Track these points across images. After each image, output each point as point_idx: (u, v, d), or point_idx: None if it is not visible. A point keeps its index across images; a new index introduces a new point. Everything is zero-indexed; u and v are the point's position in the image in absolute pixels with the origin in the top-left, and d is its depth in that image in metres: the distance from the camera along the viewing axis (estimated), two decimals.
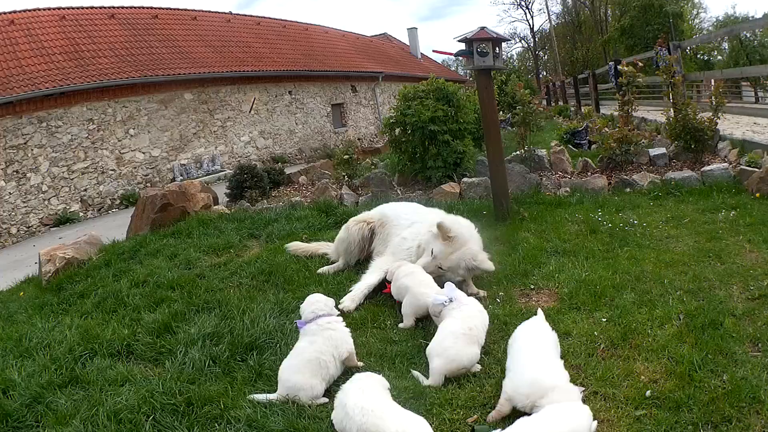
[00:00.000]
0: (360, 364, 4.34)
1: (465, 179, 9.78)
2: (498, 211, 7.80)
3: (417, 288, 5.03)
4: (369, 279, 5.96)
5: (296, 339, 4.49)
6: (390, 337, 4.78)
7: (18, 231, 19.67)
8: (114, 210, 21.97)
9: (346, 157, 11.36)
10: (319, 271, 6.52)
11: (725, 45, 61.17)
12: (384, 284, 5.80)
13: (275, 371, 4.22)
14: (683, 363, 3.85)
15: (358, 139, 36.59)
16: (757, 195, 7.77)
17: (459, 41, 7.82)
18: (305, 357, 4.13)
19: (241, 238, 8.52)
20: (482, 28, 7.60)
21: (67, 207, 21.02)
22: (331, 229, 8.55)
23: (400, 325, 5.01)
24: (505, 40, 8.40)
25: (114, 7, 28.29)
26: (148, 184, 23.15)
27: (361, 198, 10.25)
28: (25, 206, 20.00)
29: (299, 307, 4.59)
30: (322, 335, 4.25)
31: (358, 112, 38.55)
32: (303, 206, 10.04)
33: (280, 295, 5.91)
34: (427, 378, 4.05)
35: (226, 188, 12.27)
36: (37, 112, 20.52)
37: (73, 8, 26.39)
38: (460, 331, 4.18)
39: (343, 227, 6.78)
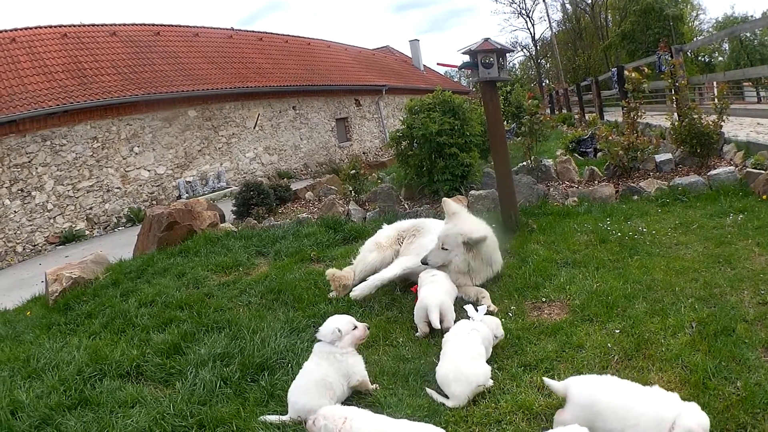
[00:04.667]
0: (374, 387, 4.29)
1: (472, 192, 9.71)
2: (507, 223, 7.74)
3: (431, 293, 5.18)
4: (386, 273, 6.07)
5: (307, 359, 4.43)
6: (403, 354, 4.73)
7: (24, 249, 19.64)
8: (120, 228, 21.90)
9: (352, 172, 11.30)
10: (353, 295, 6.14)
11: (726, 46, 61.45)
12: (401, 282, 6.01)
13: (287, 391, 4.16)
14: (697, 371, 3.82)
15: (363, 153, 36.58)
16: (764, 197, 7.73)
17: (463, 53, 7.79)
18: (312, 378, 4.09)
19: (249, 256, 8.51)
20: (486, 40, 7.57)
21: (73, 225, 20.99)
22: (339, 245, 8.60)
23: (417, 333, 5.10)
24: (510, 51, 8.38)
25: (115, 25, 28.34)
26: (154, 202, 23.15)
27: (368, 213, 10.18)
28: (31, 225, 19.97)
29: (310, 326, 4.57)
30: (330, 359, 4.20)
31: (363, 125, 38.58)
32: (310, 223, 9.97)
33: (290, 313, 5.86)
34: (441, 396, 4.02)
35: (232, 206, 12.23)
36: (40, 131, 20.53)
37: (74, 26, 26.42)
38: (473, 354, 4.19)
39: (376, 245, 6.74)
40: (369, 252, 6.65)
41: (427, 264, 5.72)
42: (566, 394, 3.46)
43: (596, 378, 3.52)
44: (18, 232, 19.62)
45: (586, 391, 3.38)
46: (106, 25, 27.90)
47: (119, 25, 28.51)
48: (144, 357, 5.28)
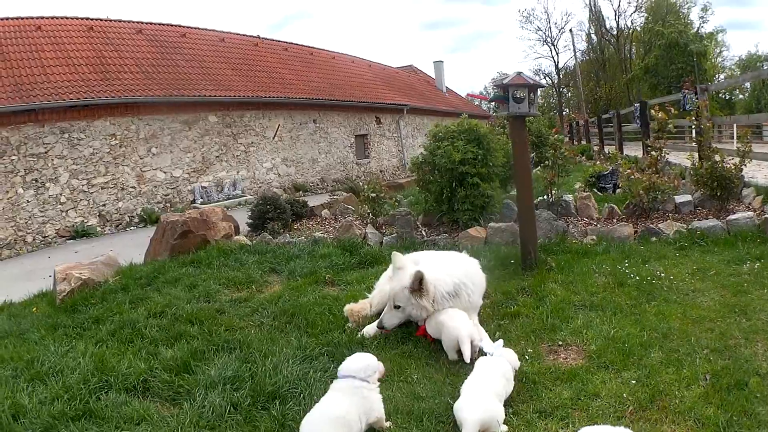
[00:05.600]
0: (388, 424, 4.18)
1: (491, 224, 9.61)
2: (525, 260, 7.63)
3: (450, 323, 5.20)
4: None
5: (320, 390, 4.39)
6: (417, 392, 4.60)
7: (34, 240, 19.69)
8: (132, 228, 21.95)
9: (372, 195, 11.21)
10: (367, 332, 5.97)
11: (747, 84, 61.46)
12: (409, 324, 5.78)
13: (299, 423, 4.03)
14: (709, 425, 3.82)
15: (381, 171, 36.70)
16: None
17: (495, 86, 7.80)
18: (333, 414, 3.94)
19: (262, 273, 8.41)
20: (519, 74, 7.51)
21: (85, 221, 21.04)
22: (354, 269, 8.47)
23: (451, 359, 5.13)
24: (542, 86, 8.34)
25: (142, 23, 28.60)
26: (168, 204, 23.28)
27: (385, 238, 10.08)
28: (42, 216, 20.02)
29: (323, 354, 4.48)
30: (357, 395, 4.09)
31: (382, 144, 38.69)
32: (326, 243, 9.86)
33: (303, 339, 5.73)
34: None
35: (247, 218, 12.15)
36: (59, 123, 20.66)
37: (100, 20, 26.67)
38: (491, 391, 4.15)
39: (388, 277, 6.48)
40: (384, 285, 6.54)
41: (383, 328, 5.62)
42: None
43: (609, 429, 3.52)
44: (29, 222, 19.71)
45: None
46: (133, 22, 28.17)
47: (145, 23, 28.77)
48: (152, 372, 5.16)
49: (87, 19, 25.97)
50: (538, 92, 7.95)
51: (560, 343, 5.40)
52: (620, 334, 5.31)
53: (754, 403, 4.03)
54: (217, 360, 5.31)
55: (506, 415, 4.10)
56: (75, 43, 23.74)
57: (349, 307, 6.33)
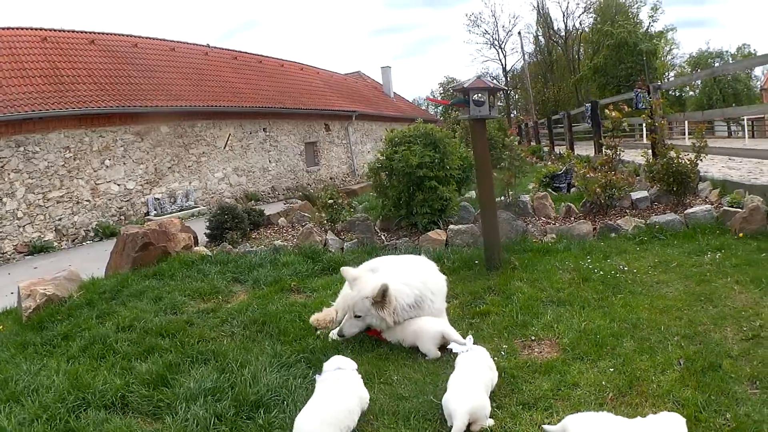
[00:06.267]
0: None
1: (452, 226, 9.76)
2: (489, 260, 7.76)
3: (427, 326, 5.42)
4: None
5: (303, 396, 4.46)
6: (399, 393, 4.66)
7: None
8: (88, 241, 21.68)
9: (330, 201, 11.25)
10: (332, 336, 6.04)
11: (698, 81, 62.60)
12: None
13: (286, 430, 4.10)
14: (689, 406, 3.98)
15: (331, 179, 36.76)
16: (741, 235, 8.01)
17: (455, 90, 7.90)
18: (331, 409, 4.07)
19: (226, 283, 8.40)
20: (479, 77, 7.70)
21: (42, 236, 20.68)
22: (318, 276, 8.54)
23: (429, 356, 5.28)
24: (502, 89, 8.45)
25: (94, 33, 28.17)
26: (122, 217, 23.06)
27: (346, 244, 10.13)
28: (0, 232, 19.67)
29: (300, 361, 4.52)
30: (344, 381, 4.30)
31: (331, 151, 38.70)
32: (287, 251, 9.87)
33: (278, 347, 5.73)
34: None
35: (206, 228, 12.08)
36: (15, 136, 20.28)
37: (54, 30, 26.19)
38: (479, 380, 4.29)
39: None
40: (346, 290, 6.58)
41: (344, 336, 5.65)
42: None
43: (592, 415, 3.67)
44: None
45: (585, 430, 3.52)
46: (85, 32, 27.74)
47: (98, 33, 28.35)
48: (129, 387, 5.11)
49: (41, 29, 25.50)
50: (499, 95, 8.06)
51: (533, 338, 5.52)
52: (591, 326, 5.46)
53: (729, 383, 4.22)
54: (194, 372, 5.29)
55: (491, 409, 4.18)
56: (30, 54, 23.33)
57: (314, 317, 6.39)
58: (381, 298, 5.40)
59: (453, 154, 10.83)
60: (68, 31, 26.88)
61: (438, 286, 5.95)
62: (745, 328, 5.11)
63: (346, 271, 5.91)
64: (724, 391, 4.12)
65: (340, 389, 4.21)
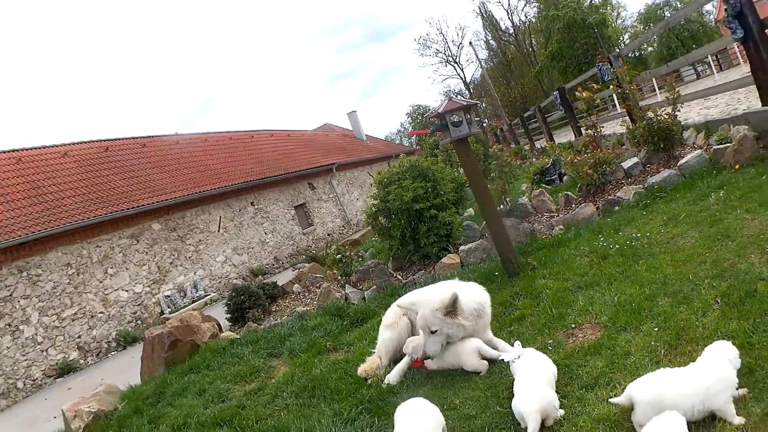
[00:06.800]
0: None
1: (462, 247, 9.86)
2: (508, 268, 7.83)
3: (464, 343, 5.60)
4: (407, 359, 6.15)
5: None
6: (466, 413, 4.76)
7: (24, 385, 19.27)
8: (112, 353, 21.68)
9: (338, 256, 11.33)
10: (387, 380, 6.11)
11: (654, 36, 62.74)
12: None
13: None
14: (738, 335, 4.05)
15: (328, 235, 36.80)
16: (737, 167, 8.13)
17: (431, 118, 8.01)
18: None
19: (263, 360, 8.45)
20: (450, 99, 7.79)
21: (66, 356, 20.66)
22: (349, 330, 8.62)
23: (481, 373, 5.39)
24: (475, 104, 8.57)
25: (66, 144, 28.40)
26: (139, 321, 23.08)
27: (366, 293, 10.22)
28: (26, 359, 19.61)
29: (361, 413, 4.59)
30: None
31: (321, 208, 38.80)
32: (311, 315, 9.95)
33: (335, 406, 5.80)
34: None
35: (225, 312, 12.16)
36: (15, 262, 20.29)
37: (27, 149, 26.39)
38: (541, 378, 4.40)
39: (387, 326, 6.69)
40: (384, 333, 6.68)
41: (430, 357, 5.76)
42: (632, 401, 3.69)
43: (651, 376, 3.78)
44: (15, 368, 19.27)
45: (647, 391, 3.63)
46: (57, 145, 27.96)
47: (69, 144, 28.59)
48: None
49: (13, 151, 25.68)
50: (473, 110, 8.19)
51: (573, 326, 5.60)
52: (624, 297, 5.53)
53: None
54: None
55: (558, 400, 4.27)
56: (9, 177, 23.44)
57: (361, 369, 6.46)
58: (452, 306, 5.50)
59: (444, 179, 10.96)
60: (40, 148, 27.10)
61: (485, 297, 6.02)
62: (767, 249, 5.19)
63: (401, 302, 6.09)
64: (766, 311, 4.22)
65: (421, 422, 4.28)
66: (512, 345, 5.17)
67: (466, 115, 7.63)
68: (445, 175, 11.20)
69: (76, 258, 22.25)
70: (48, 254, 21.36)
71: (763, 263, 4.97)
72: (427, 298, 5.71)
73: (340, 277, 11.34)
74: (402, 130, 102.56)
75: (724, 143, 8.96)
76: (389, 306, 7.03)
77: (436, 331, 5.57)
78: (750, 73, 9.28)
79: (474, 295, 5.82)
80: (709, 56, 35.21)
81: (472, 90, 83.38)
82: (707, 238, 6.16)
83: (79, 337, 21.42)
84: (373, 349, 6.80)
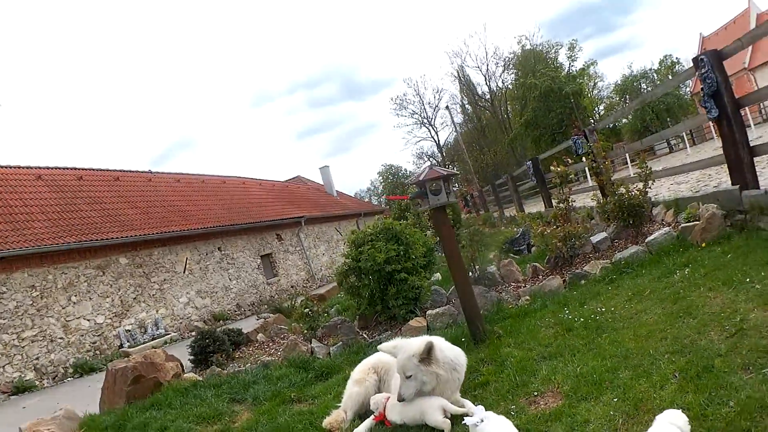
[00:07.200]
0: None
1: (429, 311, 10.06)
2: (475, 334, 8.02)
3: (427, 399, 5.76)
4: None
5: None
6: None
7: None
8: (69, 379, 21.37)
9: (306, 310, 11.45)
10: None
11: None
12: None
13: None
14: (693, 407, 4.26)
15: (291, 287, 36.84)
16: (704, 245, 8.29)
17: (412, 184, 8.30)
18: None
19: (226, 404, 8.51)
20: (431, 168, 8.05)
21: (22, 375, 20.39)
22: (314, 383, 8.70)
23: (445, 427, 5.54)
24: (454, 174, 8.88)
25: (40, 168, 28.40)
26: (97, 352, 22.88)
27: (332, 348, 10.34)
28: None
29: None
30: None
31: (287, 259, 38.93)
32: (276, 365, 10.05)
33: None
34: None
35: (189, 354, 12.16)
36: None
37: (1, 167, 26.43)
38: None
39: (355, 381, 6.84)
40: (352, 388, 6.85)
41: (404, 400, 5.88)
42: None
43: None
44: None
45: None
46: (31, 167, 27.94)
47: (43, 168, 28.56)
48: None
49: None
50: (452, 180, 8.48)
51: (535, 393, 5.78)
52: (586, 369, 5.74)
53: (724, 377, 4.54)
54: None
55: None
56: None
57: (327, 421, 6.61)
58: (427, 354, 5.71)
59: (416, 243, 11.17)
60: (14, 168, 27.08)
61: (462, 355, 6.22)
62: (727, 327, 5.38)
63: (383, 346, 6.30)
64: (722, 385, 4.42)
65: None
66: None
67: (445, 185, 7.91)
68: (416, 239, 11.41)
69: (41, 281, 22.13)
70: (14, 274, 21.27)
71: (722, 340, 5.20)
72: (406, 344, 5.94)
73: (306, 331, 11.42)
74: (372, 188, 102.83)
75: (693, 221, 9.17)
76: (355, 363, 7.30)
77: (410, 376, 5.78)
78: (722, 151, 9.53)
79: (452, 350, 6.06)
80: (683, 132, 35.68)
81: (445, 154, 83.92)
82: (670, 314, 6.38)
83: (37, 358, 21.20)
84: (338, 404, 6.94)
